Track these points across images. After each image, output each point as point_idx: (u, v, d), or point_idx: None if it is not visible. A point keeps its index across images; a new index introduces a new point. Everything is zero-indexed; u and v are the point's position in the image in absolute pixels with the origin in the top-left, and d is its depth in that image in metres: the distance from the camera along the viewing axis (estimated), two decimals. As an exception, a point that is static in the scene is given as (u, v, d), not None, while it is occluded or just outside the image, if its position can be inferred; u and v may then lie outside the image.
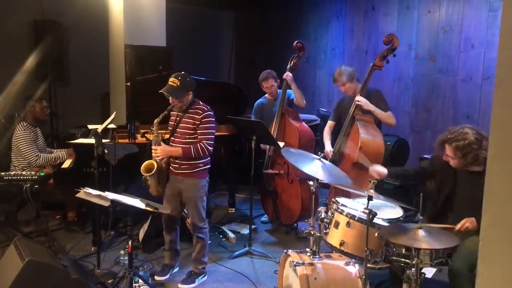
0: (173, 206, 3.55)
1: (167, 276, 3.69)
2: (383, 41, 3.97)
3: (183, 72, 3.44)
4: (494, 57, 4.39)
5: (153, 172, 3.41)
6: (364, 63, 4.58)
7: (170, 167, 3.54)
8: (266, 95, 4.87)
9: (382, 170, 3.29)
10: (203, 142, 3.38)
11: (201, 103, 3.47)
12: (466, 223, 2.82)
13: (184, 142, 3.43)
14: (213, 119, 3.44)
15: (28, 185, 3.88)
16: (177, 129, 3.47)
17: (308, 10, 6.94)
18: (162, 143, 3.48)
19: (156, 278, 3.66)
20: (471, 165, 2.90)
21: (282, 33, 7.29)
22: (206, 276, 3.70)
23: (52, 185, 4.30)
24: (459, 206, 3.03)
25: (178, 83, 3.33)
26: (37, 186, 3.96)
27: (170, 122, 3.57)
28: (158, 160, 3.45)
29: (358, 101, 3.90)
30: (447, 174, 3.09)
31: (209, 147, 3.39)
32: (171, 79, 3.36)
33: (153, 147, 3.47)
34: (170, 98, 3.36)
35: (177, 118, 3.48)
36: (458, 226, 2.84)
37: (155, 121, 3.44)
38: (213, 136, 3.45)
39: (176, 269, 3.79)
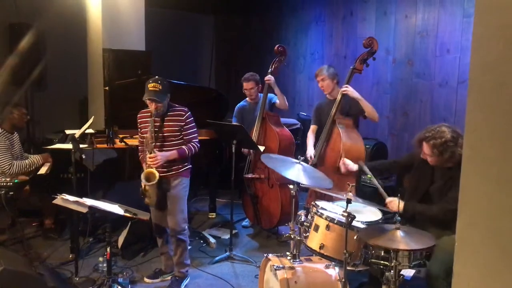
0: (161, 213, 3.54)
1: (155, 280, 3.70)
2: (363, 44, 3.99)
3: (157, 76, 3.46)
4: (468, 62, 4.48)
5: (156, 180, 3.30)
6: (343, 68, 4.63)
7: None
8: (247, 98, 4.88)
9: (351, 165, 3.50)
10: (193, 142, 3.51)
11: (177, 105, 3.53)
12: (393, 202, 2.99)
13: (172, 145, 3.46)
14: (193, 119, 3.57)
15: (2, 192, 3.80)
16: (160, 134, 3.42)
17: (287, 15, 6.99)
18: (156, 151, 3.38)
19: (146, 280, 3.69)
20: (447, 162, 2.96)
21: (262, 37, 7.33)
22: (189, 279, 3.70)
23: (28, 192, 4.21)
24: (437, 202, 3.08)
25: (160, 87, 3.33)
26: (12, 193, 3.88)
27: (143, 130, 3.49)
28: (156, 167, 3.36)
29: (345, 90, 3.90)
30: (424, 171, 3.15)
31: (198, 144, 3.55)
32: (152, 84, 3.33)
33: (150, 155, 3.35)
34: (154, 104, 3.31)
35: (156, 124, 3.42)
36: (387, 200, 3.02)
37: (148, 133, 3.35)
38: (197, 134, 3.59)
39: (169, 276, 3.72)
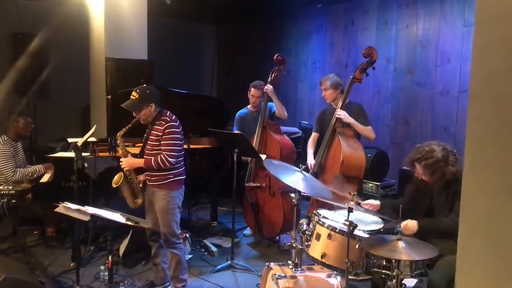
0: (152, 219, 3.50)
1: None
2: (362, 53, 4.02)
3: (145, 85, 3.44)
4: (469, 71, 4.49)
5: (119, 183, 3.43)
6: (344, 77, 4.64)
7: (146, 179, 3.52)
8: (249, 106, 4.90)
9: (375, 202, 3.27)
10: (163, 153, 3.31)
11: (167, 114, 3.41)
12: (408, 223, 2.90)
13: (152, 154, 3.40)
14: (177, 129, 3.37)
15: (5, 200, 3.81)
16: (147, 141, 3.46)
17: (289, 24, 7.04)
18: (129, 155, 3.49)
19: None
20: (438, 181, 2.97)
21: (263, 47, 7.36)
22: None
23: (30, 200, 4.22)
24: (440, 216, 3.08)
25: (137, 96, 3.32)
26: (14, 201, 3.88)
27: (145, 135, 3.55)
28: (126, 172, 3.47)
29: (338, 114, 3.95)
30: (424, 186, 3.15)
31: (169, 159, 3.31)
32: (132, 92, 3.36)
33: (120, 159, 3.49)
34: (133, 112, 3.37)
35: (148, 130, 3.47)
36: (402, 224, 2.89)
37: (118, 134, 3.48)
38: (176, 148, 3.36)
39: None
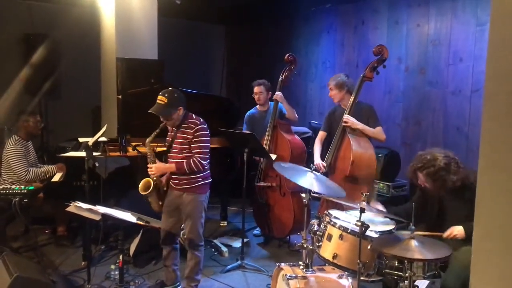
0: (172, 222, 3.50)
1: None
2: (372, 51, 3.91)
3: (170, 88, 3.39)
4: (482, 70, 4.45)
5: (149, 190, 3.38)
6: (355, 76, 4.60)
7: (170, 183, 3.48)
8: (257, 106, 4.89)
9: (381, 208, 3.22)
10: (195, 156, 3.32)
11: (194, 117, 3.41)
12: (454, 231, 2.86)
13: (180, 157, 3.37)
14: (207, 132, 3.39)
15: (17, 199, 3.83)
16: (173, 144, 3.43)
17: (299, 24, 7.01)
18: (157, 160, 3.44)
19: None
20: (440, 190, 2.96)
21: (273, 47, 7.35)
22: None
23: (42, 199, 4.25)
24: (451, 219, 3.04)
25: (166, 100, 3.28)
26: (26, 200, 3.91)
27: (167, 138, 3.55)
28: (155, 178, 3.41)
29: (345, 121, 3.89)
30: (431, 195, 3.12)
31: (202, 161, 3.33)
32: (159, 97, 3.30)
33: (148, 165, 3.41)
34: (161, 117, 3.34)
35: (172, 133, 3.45)
36: (445, 234, 2.87)
37: (147, 140, 3.41)
38: (207, 150, 3.39)
39: None
